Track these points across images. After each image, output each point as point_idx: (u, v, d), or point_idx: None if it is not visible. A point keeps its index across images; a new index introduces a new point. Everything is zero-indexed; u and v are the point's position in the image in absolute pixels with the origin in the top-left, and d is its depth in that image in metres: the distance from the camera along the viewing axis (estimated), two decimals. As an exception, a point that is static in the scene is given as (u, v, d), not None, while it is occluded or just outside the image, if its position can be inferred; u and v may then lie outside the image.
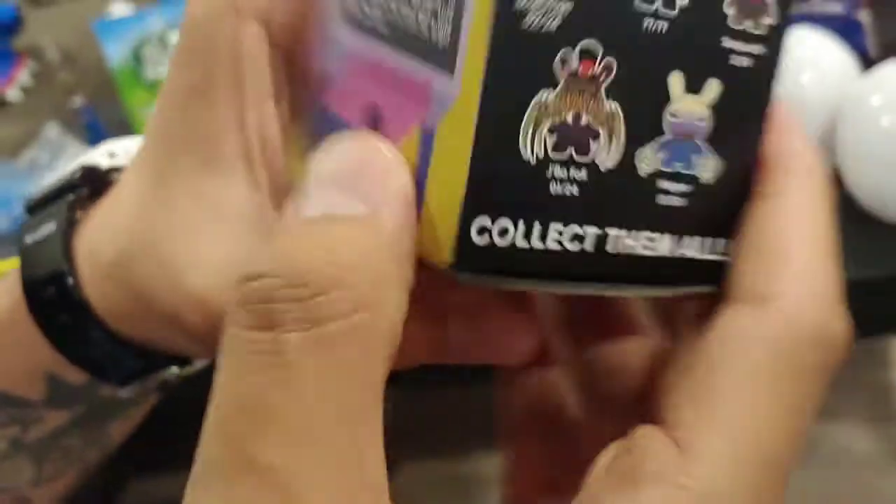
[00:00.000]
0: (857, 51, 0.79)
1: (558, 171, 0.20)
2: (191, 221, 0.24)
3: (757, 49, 0.22)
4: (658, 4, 0.20)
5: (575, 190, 0.20)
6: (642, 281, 0.21)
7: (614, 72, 0.20)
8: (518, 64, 0.19)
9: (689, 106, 0.21)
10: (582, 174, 0.20)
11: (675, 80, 0.21)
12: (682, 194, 0.21)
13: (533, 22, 0.19)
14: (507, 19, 0.18)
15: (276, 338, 0.17)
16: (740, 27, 0.22)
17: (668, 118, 0.21)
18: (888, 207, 0.65)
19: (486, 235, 0.19)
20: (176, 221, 0.24)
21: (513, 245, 0.19)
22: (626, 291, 0.21)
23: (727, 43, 0.21)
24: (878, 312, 0.70)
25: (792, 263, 0.20)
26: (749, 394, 0.19)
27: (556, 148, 0.19)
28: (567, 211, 0.20)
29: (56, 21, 1.56)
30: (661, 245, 0.21)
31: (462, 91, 0.19)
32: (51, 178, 0.29)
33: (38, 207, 0.29)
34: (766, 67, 0.22)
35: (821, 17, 0.79)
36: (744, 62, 0.22)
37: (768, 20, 0.22)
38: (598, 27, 0.19)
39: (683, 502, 0.18)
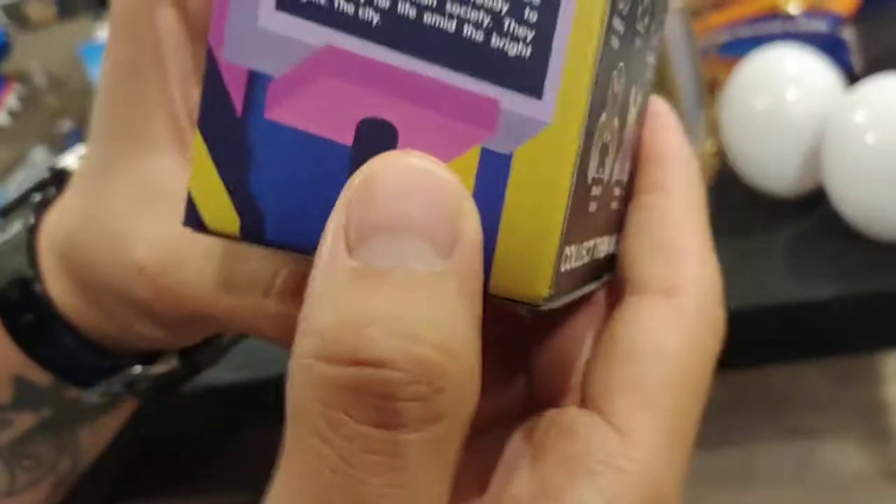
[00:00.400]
0: (843, 68, 0.80)
1: (595, 190, 0.19)
2: (131, 199, 0.25)
3: (654, 60, 0.22)
4: (642, 25, 0.20)
5: (595, 206, 0.19)
6: (593, 279, 0.21)
7: (623, 88, 0.19)
8: (602, 85, 0.17)
9: (632, 118, 0.21)
10: (599, 191, 0.19)
11: (635, 95, 0.21)
12: (618, 199, 0.22)
13: (611, 39, 0.17)
14: (605, 35, 0.17)
15: (396, 439, 0.16)
16: (655, 42, 0.22)
17: (628, 131, 0.21)
18: (874, 224, 0.65)
19: (566, 262, 0.18)
20: (117, 199, 0.25)
21: (572, 267, 0.19)
22: (584, 290, 0.21)
23: (649, 57, 0.22)
24: (866, 328, 0.70)
25: (690, 257, 0.21)
26: (675, 383, 0.20)
27: (598, 169, 0.19)
28: (595, 227, 0.20)
29: (43, 45, 1.57)
30: (609, 246, 0.22)
31: (559, 118, 0.17)
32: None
33: (9, 211, 0.29)
34: (652, 74, 0.23)
35: (805, 35, 0.80)
36: (649, 74, 0.22)
37: (660, 33, 0.23)
38: (626, 46, 0.19)
39: (632, 485, 0.19)
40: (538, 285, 0.17)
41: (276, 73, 0.17)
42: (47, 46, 1.60)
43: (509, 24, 0.17)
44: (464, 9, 0.17)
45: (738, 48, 0.82)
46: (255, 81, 0.17)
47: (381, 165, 0.17)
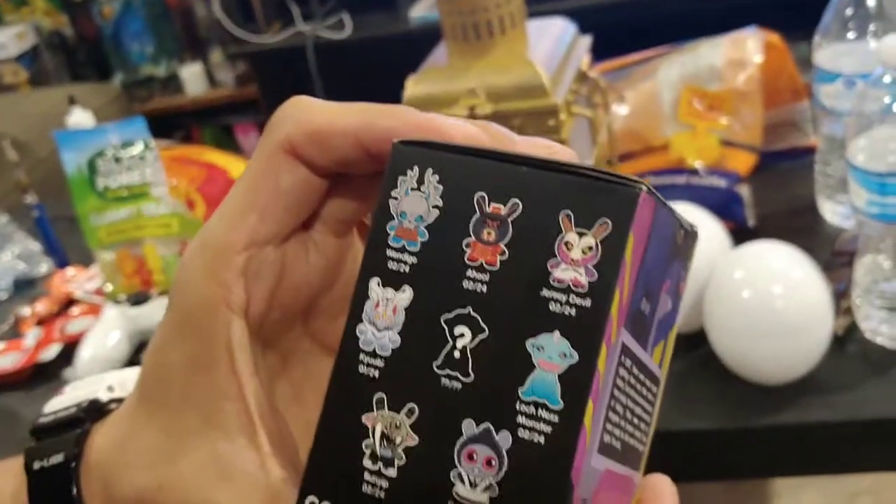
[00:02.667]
0: (738, 220, 0.89)
1: None
2: (208, 475, 0.29)
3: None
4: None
5: None
6: None
7: None
8: None
9: None
10: None
11: None
12: None
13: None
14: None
15: None
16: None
17: None
18: (744, 367, 0.74)
19: None
20: (193, 473, 0.29)
21: None
22: None
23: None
24: (736, 458, 0.77)
25: None
26: None
27: None
28: None
29: (13, 111, 1.61)
30: None
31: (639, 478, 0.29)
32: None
33: (44, 434, 0.34)
34: None
35: (707, 189, 0.89)
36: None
37: None
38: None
39: None
40: None
41: (589, 496, 0.25)
42: (17, 113, 1.64)
43: (641, 432, 0.28)
44: (634, 429, 0.28)
45: (646, 195, 0.90)
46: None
47: None
